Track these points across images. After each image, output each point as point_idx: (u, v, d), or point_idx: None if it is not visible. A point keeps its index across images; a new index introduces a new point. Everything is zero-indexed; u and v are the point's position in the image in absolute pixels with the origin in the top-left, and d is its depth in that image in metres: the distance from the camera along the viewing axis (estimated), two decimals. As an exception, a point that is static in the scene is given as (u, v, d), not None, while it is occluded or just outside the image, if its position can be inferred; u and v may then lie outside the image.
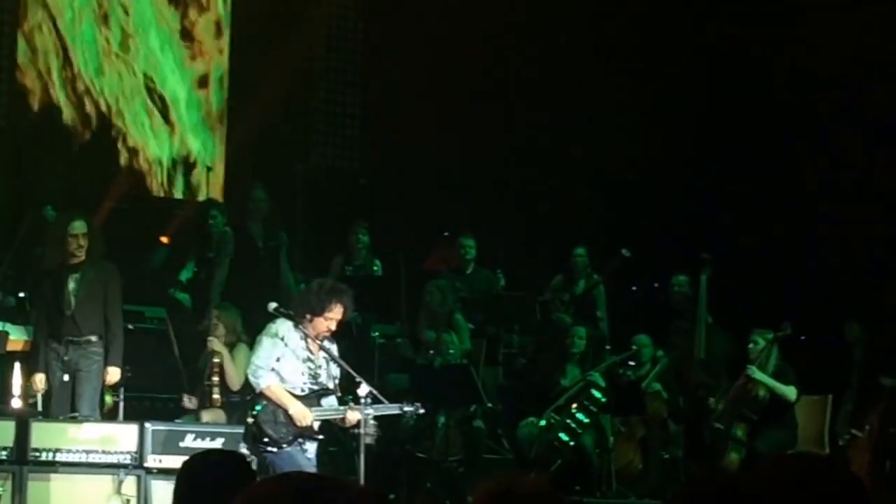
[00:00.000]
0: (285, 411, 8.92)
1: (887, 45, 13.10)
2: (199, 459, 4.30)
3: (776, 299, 12.89)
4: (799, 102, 13.61)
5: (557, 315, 13.21)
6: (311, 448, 9.06)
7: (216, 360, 10.92)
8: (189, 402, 11.14)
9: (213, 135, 15.51)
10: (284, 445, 8.90)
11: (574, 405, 11.81)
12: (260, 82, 15.02)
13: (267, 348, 9.01)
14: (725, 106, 14.00)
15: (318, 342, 9.05)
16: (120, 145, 15.03)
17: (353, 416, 8.96)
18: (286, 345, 9.01)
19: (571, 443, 11.68)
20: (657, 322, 12.72)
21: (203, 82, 15.47)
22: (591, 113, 14.56)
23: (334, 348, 9.19)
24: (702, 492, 3.37)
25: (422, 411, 9.58)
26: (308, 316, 9.00)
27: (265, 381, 8.94)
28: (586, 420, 11.75)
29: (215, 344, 10.95)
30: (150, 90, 15.21)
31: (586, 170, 14.63)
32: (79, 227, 10.53)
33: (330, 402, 9.15)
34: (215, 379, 10.88)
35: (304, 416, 8.90)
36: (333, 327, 9.06)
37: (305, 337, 9.04)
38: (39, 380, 10.52)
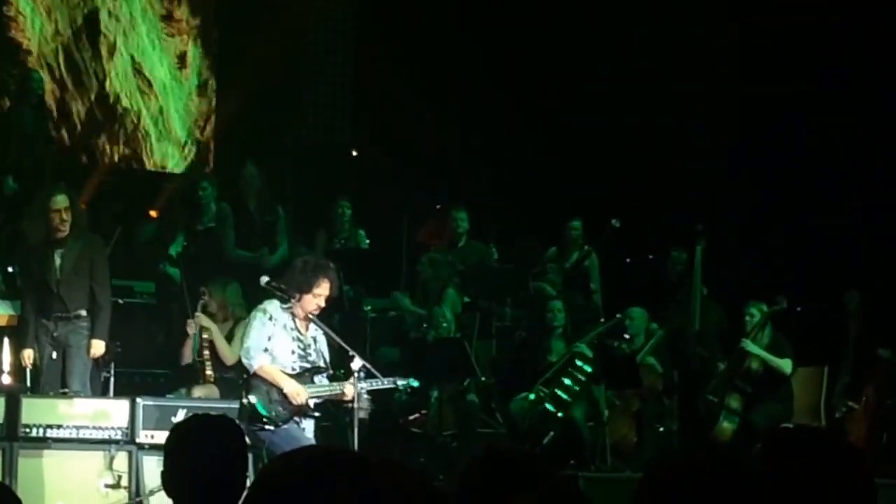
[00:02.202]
0: (279, 390, 8.85)
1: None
2: (185, 424, 4.29)
3: (772, 270, 12.84)
4: (794, 72, 13.53)
5: (538, 284, 13.12)
6: (308, 426, 9.01)
7: (205, 335, 10.80)
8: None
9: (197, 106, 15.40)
10: (280, 424, 8.83)
11: (561, 377, 11.75)
12: (250, 54, 14.87)
13: (257, 329, 8.95)
14: (719, 76, 13.91)
15: (310, 319, 8.97)
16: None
17: (351, 389, 8.90)
18: (275, 324, 8.95)
19: (560, 414, 11.62)
20: (652, 294, 12.65)
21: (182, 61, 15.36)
22: (582, 83, 14.47)
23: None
24: (667, 469, 3.31)
25: (415, 384, 9.53)
26: (296, 295, 8.92)
27: (258, 362, 8.88)
28: (576, 388, 11.67)
29: (203, 320, 10.83)
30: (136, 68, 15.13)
31: (580, 141, 14.53)
32: (60, 201, 10.36)
33: (322, 380, 9.07)
34: (206, 353, 10.77)
35: (299, 393, 8.84)
36: (322, 304, 8.99)
37: (293, 315, 8.97)
38: (28, 355, 10.42)
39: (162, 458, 9.30)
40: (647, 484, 3.16)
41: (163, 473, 4.14)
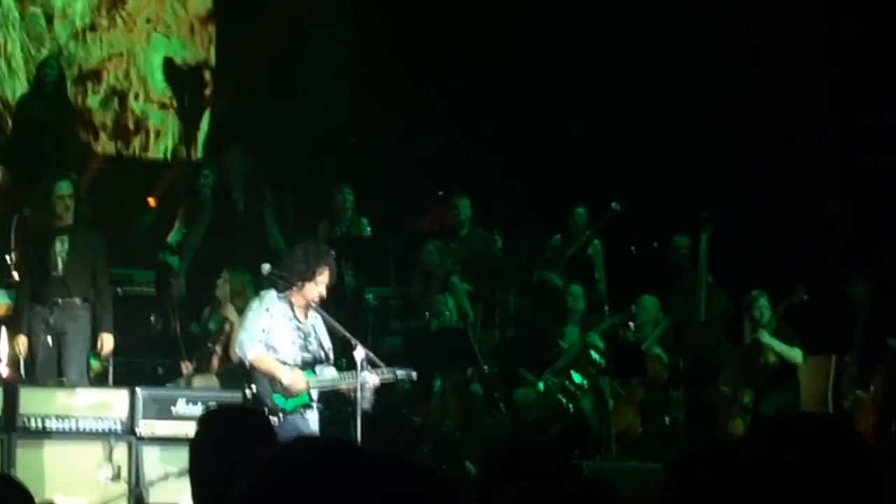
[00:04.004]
0: (280, 383, 8.75)
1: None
2: (215, 414, 4.15)
3: (779, 258, 12.73)
4: (800, 58, 13.42)
5: (542, 273, 13.02)
6: (312, 417, 8.92)
7: (227, 328, 10.72)
8: (186, 369, 10.94)
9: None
10: (281, 415, 8.73)
11: (572, 368, 11.67)
12: (248, 39, 14.74)
13: (252, 320, 8.88)
14: (726, 59, 13.80)
15: (312, 308, 8.89)
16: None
17: (351, 382, 8.80)
18: (272, 316, 8.86)
19: (570, 406, 11.56)
20: (657, 282, 12.54)
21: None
22: (586, 69, 14.35)
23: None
24: (703, 458, 3.25)
25: (414, 374, 9.45)
26: (299, 283, 8.83)
27: (252, 353, 8.79)
28: (585, 382, 11.62)
29: (230, 313, 10.76)
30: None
31: (584, 126, 14.41)
32: (65, 188, 10.32)
33: (322, 371, 8.98)
34: (218, 347, 10.69)
35: (297, 381, 8.75)
36: (324, 292, 8.94)
37: (291, 305, 8.86)
38: (21, 343, 10.32)
39: (162, 448, 9.38)
40: (674, 477, 3.09)
41: (190, 466, 4.02)
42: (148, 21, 15.02)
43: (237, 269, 11.16)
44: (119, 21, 14.86)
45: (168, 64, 15.04)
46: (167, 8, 15.13)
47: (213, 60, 15.32)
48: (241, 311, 10.78)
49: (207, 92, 15.23)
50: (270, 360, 8.78)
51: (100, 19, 14.74)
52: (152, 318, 11.86)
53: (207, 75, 15.32)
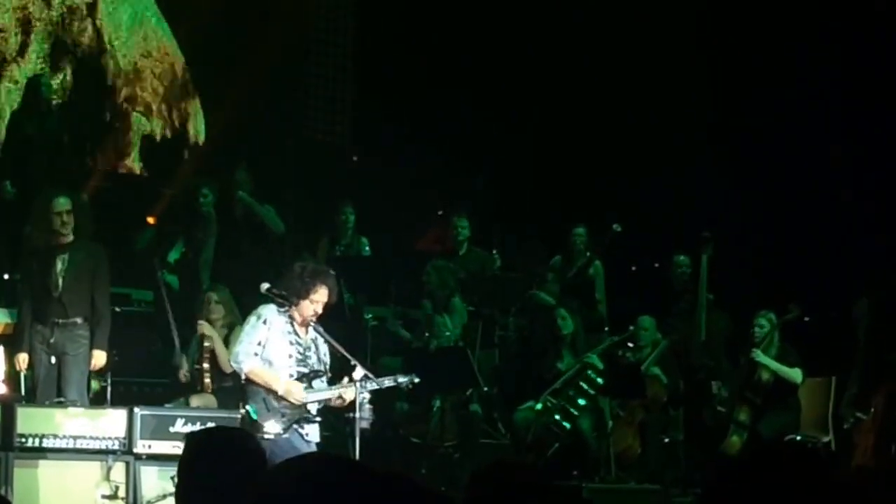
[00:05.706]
0: (276, 396, 8.73)
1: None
2: (203, 436, 4.11)
3: (779, 278, 12.71)
4: (804, 77, 13.43)
5: (536, 294, 12.98)
6: (311, 431, 8.91)
7: (207, 343, 10.70)
8: (185, 377, 10.90)
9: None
10: (280, 433, 8.70)
11: (571, 388, 11.63)
12: (250, 55, 14.74)
13: (249, 333, 8.90)
14: (727, 79, 13.80)
15: (309, 324, 8.87)
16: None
17: (349, 393, 8.79)
18: (269, 329, 8.86)
19: (568, 426, 11.52)
20: (658, 303, 12.51)
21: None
22: (588, 87, 14.35)
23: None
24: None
25: (417, 380, 9.42)
26: (294, 300, 8.84)
27: (247, 366, 8.81)
28: (583, 403, 11.58)
29: (206, 328, 10.77)
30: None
31: (585, 146, 14.41)
32: (63, 203, 10.27)
33: (321, 384, 8.97)
34: (206, 365, 10.67)
35: (293, 391, 8.73)
36: (320, 310, 8.94)
37: (291, 319, 8.87)
38: (22, 360, 10.30)
39: (160, 467, 9.35)
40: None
41: (176, 488, 3.98)
42: (126, 101, 15.03)
43: (218, 285, 11.17)
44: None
45: (146, 142, 15.09)
46: (146, 87, 15.12)
47: (194, 139, 15.32)
48: (230, 326, 10.83)
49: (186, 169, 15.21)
50: (266, 371, 8.80)
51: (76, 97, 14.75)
52: (151, 338, 11.82)
53: (186, 153, 15.33)
